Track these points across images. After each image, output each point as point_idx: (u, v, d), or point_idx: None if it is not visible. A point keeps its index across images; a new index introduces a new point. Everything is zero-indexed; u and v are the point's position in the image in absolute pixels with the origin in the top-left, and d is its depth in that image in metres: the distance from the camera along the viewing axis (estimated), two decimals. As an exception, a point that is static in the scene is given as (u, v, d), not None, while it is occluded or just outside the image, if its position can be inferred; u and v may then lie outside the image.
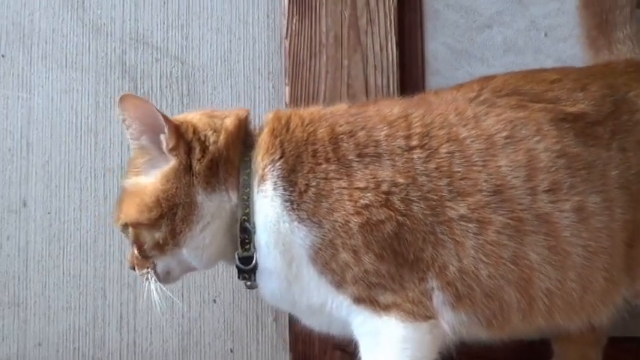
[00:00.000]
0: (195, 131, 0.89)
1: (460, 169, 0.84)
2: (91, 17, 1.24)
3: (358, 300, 0.84)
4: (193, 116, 0.92)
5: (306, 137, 0.87)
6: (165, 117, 0.87)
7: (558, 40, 1.24)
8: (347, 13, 1.20)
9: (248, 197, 0.87)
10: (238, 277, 0.91)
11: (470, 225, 0.83)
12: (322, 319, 0.91)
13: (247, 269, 0.88)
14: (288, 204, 0.84)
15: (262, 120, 0.92)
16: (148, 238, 0.88)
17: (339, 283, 0.84)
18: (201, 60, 1.25)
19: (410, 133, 0.86)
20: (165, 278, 0.92)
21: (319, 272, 0.84)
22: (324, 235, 0.83)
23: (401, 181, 0.83)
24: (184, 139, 0.88)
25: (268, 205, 0.85)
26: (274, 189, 0.85)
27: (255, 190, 0.86)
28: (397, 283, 0.83)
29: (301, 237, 0.83)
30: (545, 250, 0.84)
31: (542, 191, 0.85)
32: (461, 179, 0.84)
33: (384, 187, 0.83)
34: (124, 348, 1.21)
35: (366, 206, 0.82)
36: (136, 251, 0.91)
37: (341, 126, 0.87)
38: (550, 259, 0.84)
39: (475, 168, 0.85)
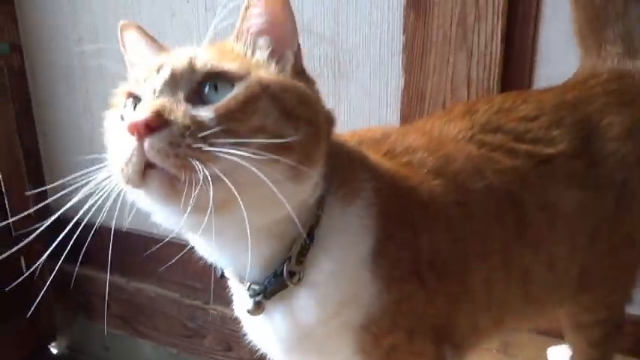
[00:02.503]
0: None
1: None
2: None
3: None
4: None
5: None
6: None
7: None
8: (457, 10, 1.28)
9: None
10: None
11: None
12: None
13: None
14: None
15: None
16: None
17: None
18: (348, 44, 1.50)
19: None
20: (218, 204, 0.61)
21: None
22: None
23: None
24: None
25: None
26: None
27: None
28: None
29: None
30: (521, 290, 0.95)
31: (527, 245, 0.91)
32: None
33: None
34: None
35: None
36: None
37: None
38: (521, 297, 0.96)
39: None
